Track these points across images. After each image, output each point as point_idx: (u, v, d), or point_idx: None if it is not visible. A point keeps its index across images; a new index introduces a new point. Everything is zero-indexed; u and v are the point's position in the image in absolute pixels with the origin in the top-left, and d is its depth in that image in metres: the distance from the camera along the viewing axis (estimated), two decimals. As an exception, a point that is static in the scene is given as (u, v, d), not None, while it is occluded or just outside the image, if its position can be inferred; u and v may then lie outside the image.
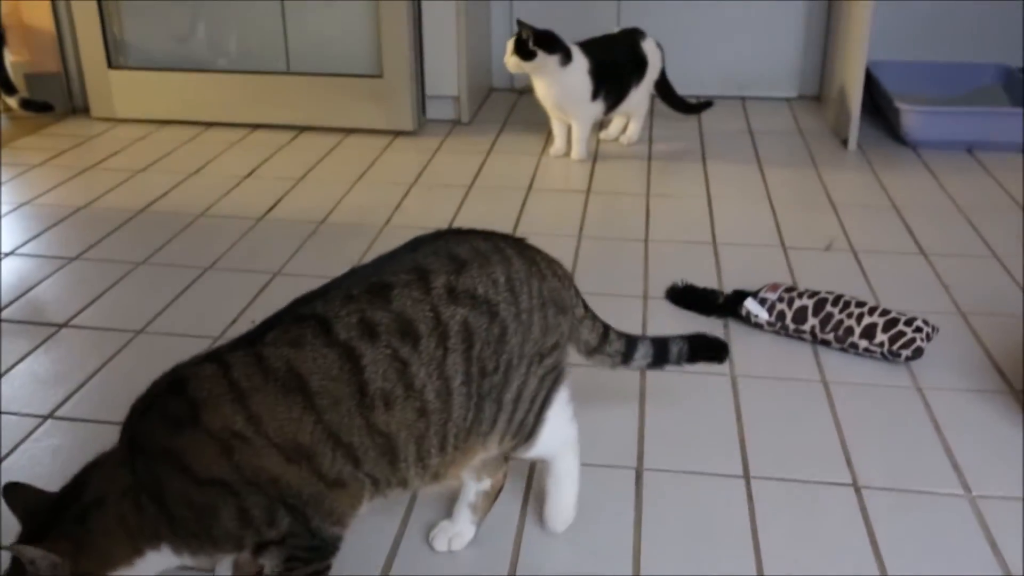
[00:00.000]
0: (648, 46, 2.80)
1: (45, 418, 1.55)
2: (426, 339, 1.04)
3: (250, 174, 2.66)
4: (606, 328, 1.25)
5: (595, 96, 2.70)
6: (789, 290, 1.80)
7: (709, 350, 1.31)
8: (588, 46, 2.70)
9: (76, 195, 2.51)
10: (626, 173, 2.67)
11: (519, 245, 1.16)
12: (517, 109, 3.25)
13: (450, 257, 1.08)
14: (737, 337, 1.80)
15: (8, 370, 1.69)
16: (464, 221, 2.32)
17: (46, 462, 1.44)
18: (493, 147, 2.87)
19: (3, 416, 1.56)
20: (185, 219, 2.34)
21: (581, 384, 1.61)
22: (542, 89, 2.70)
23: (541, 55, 2.57)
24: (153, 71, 3.13)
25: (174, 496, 1.00)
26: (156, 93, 3.13)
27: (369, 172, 2.67)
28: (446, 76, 3.02)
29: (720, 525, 1.32)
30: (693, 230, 2.28)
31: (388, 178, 2.62)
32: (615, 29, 2.89)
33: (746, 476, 1.42)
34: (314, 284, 1.97)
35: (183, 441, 0.99)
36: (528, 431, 1.15)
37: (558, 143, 2.79)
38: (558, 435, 1.21)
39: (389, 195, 2.49)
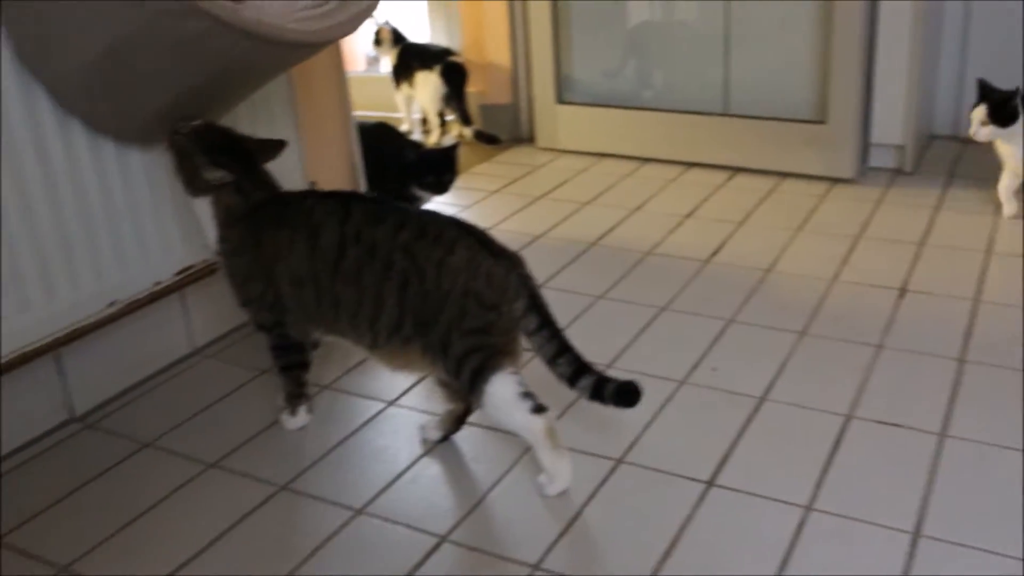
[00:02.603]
0: None
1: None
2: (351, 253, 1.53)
3: (690, 214, 2.73)
4: (561, 349, 1.48)
5: None
6: None
7: (621, 395, 1.47)
8: None
9: (532, 223, 2.71)
10: (1101, 242, 2.44)
11: (484, 248, 1.49)
12: (963, 159, 3.07)
13: (421, 226, 1.51)
14: None
15: (496, 390, 1.86)
16: (918, 282, 2.22)
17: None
18: (941, 202, 2.73)
19: (493, 434, 1.72)
20: (635, 256, 2.45)
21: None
22: (1007, 150, 2.53)
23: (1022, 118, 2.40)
24: (595, 107, 3.31)
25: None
26: (596, 127, 3.30)
27: (809, 220, 2.64)
28: (892, 123, 2.91)
29: None
30: None
31: (830, 229, 2.58)
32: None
33: None
34: (767, 335, 2.00)
35: None
36: (465, 384, 1.49)
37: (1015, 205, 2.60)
38: (504, 412, 1.49)
39: (833, 247, 2.45)
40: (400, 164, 2.42)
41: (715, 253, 2.45)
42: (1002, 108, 2.38)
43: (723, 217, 2.69)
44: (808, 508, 1.48)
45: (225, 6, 1.35)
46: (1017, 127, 2.42)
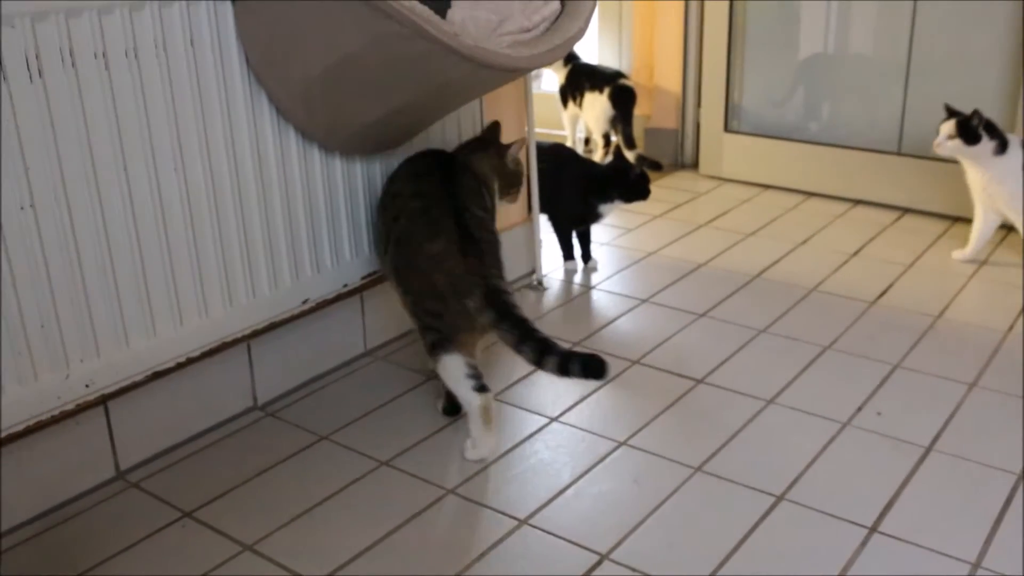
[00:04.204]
0: None
1: (695, 470, 1.71)
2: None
3: (856, 252, 2.70)
4: (524, 337, 1.60)
5: None
6: None
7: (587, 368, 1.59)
8: None
9: (695, 251, 2.73)
10: None
11: (460, 248, 1.67)
12: None
13: (428, 207, 1.73)
14: None
15: (657, 416, 1.89)
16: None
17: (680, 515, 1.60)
18: None
19: (656, 458, 1.75)
20: (799, 292, 2.44)
21: None
22: (973, 179, 2.57)
23: (984, 140, 2.45)
24: (761, 137, 3.30)
25: None
26: (762, 158, 3.29)
27: (983, 267, 2.58)
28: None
29: None
30: None
31: (1004, 277, 2.51)
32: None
33: None
34: (935, 383, 1.97)
35: None
36: (426, 346, 1.74)
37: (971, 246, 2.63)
38: (452, 384, 1.74)
39: (1008, 297, 2.39)
40: (601, 178, 2.49)
41: (882, 294, 2.42)
42: (967, 124, 2.47)
43: (891, 258, 2.65)
44: (976, 565, 1.46)
45: (447, 31, 1.44)
46: (980, 149, 2.48)
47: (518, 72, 1.72)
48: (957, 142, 2.48)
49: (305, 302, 1.89)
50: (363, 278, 2.00)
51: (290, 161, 1.81)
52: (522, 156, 1.99)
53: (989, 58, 2.83)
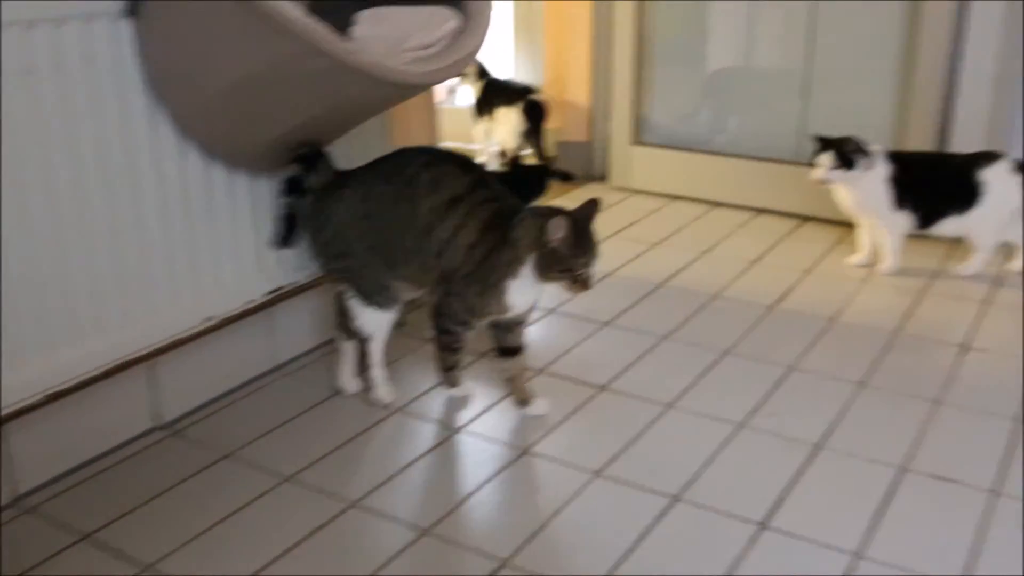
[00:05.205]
0: (992, 174, 2.53)
1: (595, 475, 1.76)
2: None
3: (758, 259, 2.78)
4: None
5: (900, 207, 2.60)
6: None
7: None
8: (899, 155, 2.63)
9: (603, 261, 2.76)
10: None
11: None
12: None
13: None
14: None
15: (560, 424, 1.93)
16: (983, 339, 2.25)
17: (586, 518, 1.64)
18: (1016, 258, 2.74)
19: (557, 464, 1.79)
20: (701, 298, 2.51)
21: None
22: (842, 196, 2.68)
23: (860, 161, 2.56)
24: (669, 149, 3.38)
25: None
26: (670, 170, 3.37)
27: (877, 271, 2.67)
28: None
29: None
30: None
31: (897, 281, 2.61)
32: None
33: None
34: (827, 383, 2.03)
35: None
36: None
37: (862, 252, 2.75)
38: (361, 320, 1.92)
39: (899, 299, 2.49)
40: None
41: (780, 299, 2.50)
42: (844, 152, 2.55)
43: (790, 265, 2.74)
44: (857, 555, 1.52)
45: (345, 48, 1.47)
46: (857, 171, 2.57)
47: (417, 88, 1.75)
48: (840, 171, 2.57)
49: (208, 320, 1.89)
50: (267, 294, 2.01)
51: (191, 179, 1.82)
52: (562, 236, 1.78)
53: (879, 73, 2.95)
